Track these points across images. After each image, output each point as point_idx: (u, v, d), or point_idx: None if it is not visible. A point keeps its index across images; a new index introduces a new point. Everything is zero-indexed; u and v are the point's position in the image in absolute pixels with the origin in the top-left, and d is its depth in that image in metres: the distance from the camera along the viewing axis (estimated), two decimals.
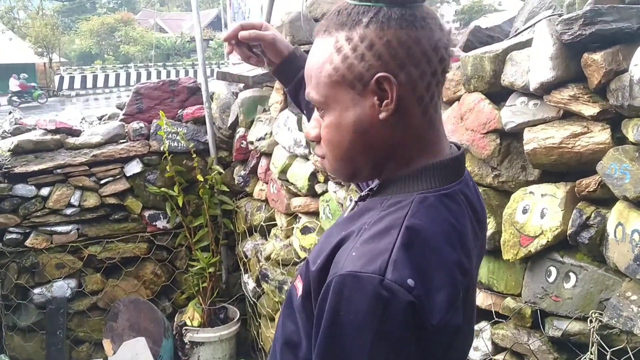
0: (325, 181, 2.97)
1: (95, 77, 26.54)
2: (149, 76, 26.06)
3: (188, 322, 3.70)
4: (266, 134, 3.41)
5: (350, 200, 1.09)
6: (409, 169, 0.93)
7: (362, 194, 1.03)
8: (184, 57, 31.70)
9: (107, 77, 26.83)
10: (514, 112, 2.07)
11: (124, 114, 3.87)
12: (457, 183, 0.94)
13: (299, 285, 0.95)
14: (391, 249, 0.82)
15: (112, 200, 3.71)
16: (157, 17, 41.28)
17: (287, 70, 1.33)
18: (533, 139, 1.96)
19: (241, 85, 3.85)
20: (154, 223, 3.85)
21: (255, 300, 3.62)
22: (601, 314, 1.81)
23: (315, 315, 0.86)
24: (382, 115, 0.89)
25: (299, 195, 3.16)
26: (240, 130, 3.71)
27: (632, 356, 1.75)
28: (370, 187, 1.05)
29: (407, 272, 0.80)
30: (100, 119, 4.21)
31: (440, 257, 0.86)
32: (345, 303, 0.81)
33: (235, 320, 3.78)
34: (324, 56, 0.90)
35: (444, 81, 0.93)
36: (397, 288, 0.79)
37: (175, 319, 3.83)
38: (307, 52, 3.07)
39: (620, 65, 1.77)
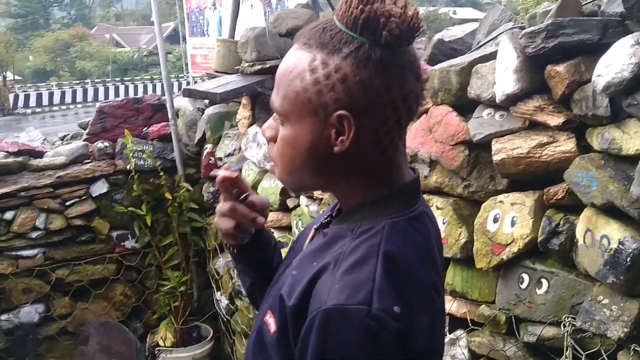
0: (297, 195, 2.98)
1: (51, 94, 26.00)
2: (106, 92, 25.66)
3: (161, 343, 3.66)
4: (235, 150, 3.40)
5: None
6: (371, 196, 0.93)
7: (323, 221, 1.03)
8: (142, 72, 31.32)
9: (63, 93, 26.30)
10: (481, 124, 2.11)
11: (87, 134, 3.82)
12: (420, 204, 0.96)
13: (271, 321, 0.92)
14: (373, 278, 0.81)
15: (78, 222, 3.64)
16: (113, 31, 40.74)
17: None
18: (501, 150, 2.01)
19: (206, 101, 3.84)
20: (122, 243, 3.80)
21: (228, 318, 3.59)
22: (574, 319, 1.86)
23: (298, 353, 0.85)
24: (336, 149, 0.88)
25: (270, 211, 3.16)
26: (208, 147, 3.69)
27: (606, 358, 1.80)
28: (328, 214, 1.05)
29: (392, 300, 0.80)
30: (62, 139, 4.14)
31: (419, 281, 0.87)
32: (332, 338, 0.80)
33: (208, 338, 3.75)
34: (297, 70, 0.89)
35: (407, 127, 0.93)
36: (385, 317, 0.79)
37: (147, 339, 3.77)
38: (273, 67, 3.05)
39: (582, 76, 1.83)
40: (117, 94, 24.80)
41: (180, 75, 25.44)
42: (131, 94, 24.38)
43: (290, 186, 0.99)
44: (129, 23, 49.96)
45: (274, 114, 0.96)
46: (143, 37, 38.54)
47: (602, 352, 1.82)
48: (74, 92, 26.49)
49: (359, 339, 0.79)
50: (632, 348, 1.69)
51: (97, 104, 4.03)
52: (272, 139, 0.96)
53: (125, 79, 27.76)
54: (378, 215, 0.91)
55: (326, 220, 1.02)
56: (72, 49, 33.15)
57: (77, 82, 28.38)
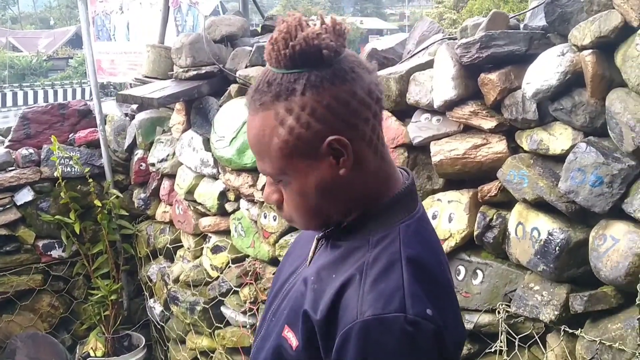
0: (237, 199, 3.02)
1: None
2: (3, 98, 24.32)
3: (91, 353, 3.57)
4: (168, 155, 3.39)
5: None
6: (378, 204, 0.97)
7: (324, 232, 1.04)
8: (41, 77, 29.88)
9: None
10: (419, 128, 2.26)
11: (10, 140, 3.67)
12: (419, 204, 1.02)
13: (290, 336, 0.96)
14: (402, 285, 0.87)
15: (2, 232, 3.49)
16: (9, 35, 38.63)
17: None
18: (439, 151, 2.16)
19: (134, 106, 3.80)
20: (48, 253, 3.67)
21: (163, 324, 3.57)
22: (508, 305, 2.02)
23: None
24: (342, 172, 0.92)
25: (207, 215, 3.18)
26: (139, 153, 3.65)
27: (538, 340, 1.98)
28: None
29: (424, 303, 0.86)
30: None
31: (440, 281, 0.94)
32: (372, 346, 0.85)
33: (140, 347, 3.70)
34: (268, 130, 0.91)
35: (382, 115, 0.98)
36: (420, 321, 0.85)
37: (77, 350, 3.67)
38: (208, 73, 3.05)
39: (512, 83, 2.01)
40: (15, 101, 23.57)
41: (83, 81, 24.50)
42: (30, 101, 23.22)
43: (315, 226, 1.02)
44: (26, 27, 47.54)
45: (268, 181, 0.99)
46: (42, 42, 36.79)
47: (535, 334, 2.00)
48: None
49: (399, 344, 0.84)
50: (562, 329, 1.87)
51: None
52: (280, 202, 0.99)
53: (23, 84, 26.37)
54: (390, 222, 0.96)
55: (328, 232, 1.03)
56: None
57: None
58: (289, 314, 0.99)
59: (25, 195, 3.57)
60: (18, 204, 3.56)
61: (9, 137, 3.70)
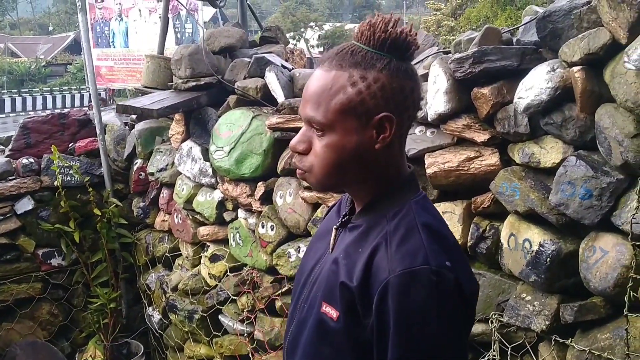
0: (234, 209, 3.06)
1: None
2: (2, 104, 24.33)
3: None
4: (167, 165, 3.43)
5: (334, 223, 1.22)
6: (389, 187, 1.13)
7: (341, 220, 1.20)
8: (40, 83, 29.92)
9: None
10: (414, 140, 2.30)
11: (10, 150, 3.71)
12: (421, 188, 1.18)
13: (329, 310, 1.09)
14: (423, 244, 1.02)
15: (2, 240, 3.53)
16: (7, 41, 38.66)
17: None
18: (434, 163, 2.20)
19: (134, 116, 3.83)
20: (48, 261, 3.71)
21: (161, 332, 3.60)
22: (501, 315, 2.06)
23: (375, 320, 1.01)
24: (377, 146, 1.07)
25: (205, 224, 3.22)
26: (138, 162, 3.69)
27: (530, 349, 2.02)
28: (343, 214, 1.21)
29: (443, 257, 1.01)
30: None
31: (450, 241, 1.09)
32: (407, 297, 0.98)
33: (139, 355, 3.72)
34: (337, 85, 1.06)
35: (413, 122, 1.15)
36: (442, 271, 0.99)
37: (76, 358, 3.70)
38: (207, 84, 3.09)
39: (505, 97, 2.06)
40: (13, 107, 23.54)
41: (82, 87, 24.53)
42: (29, 107, 23.23)
43: (327, 185, 1.14)
44: (25, 32, 47.59)
45: (302, 131, 1.11)
46: (40, 47, 36.85)
47: (527, 343, 2.04)
48: None
49: (428, 292, 0.98)
50: (553, 339, 1.91)
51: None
52: (306, 151, 1.11)
53: (22, 90, 26.37)
54: (401, 200, 1.11)
55: (345, 219, 1.19)
56: None
57: None
58: (324, 291, 1.11)
59: (25, 204, 3.60)
60: (18, 212, 3.60)
61: (10, 147, 3.73)
